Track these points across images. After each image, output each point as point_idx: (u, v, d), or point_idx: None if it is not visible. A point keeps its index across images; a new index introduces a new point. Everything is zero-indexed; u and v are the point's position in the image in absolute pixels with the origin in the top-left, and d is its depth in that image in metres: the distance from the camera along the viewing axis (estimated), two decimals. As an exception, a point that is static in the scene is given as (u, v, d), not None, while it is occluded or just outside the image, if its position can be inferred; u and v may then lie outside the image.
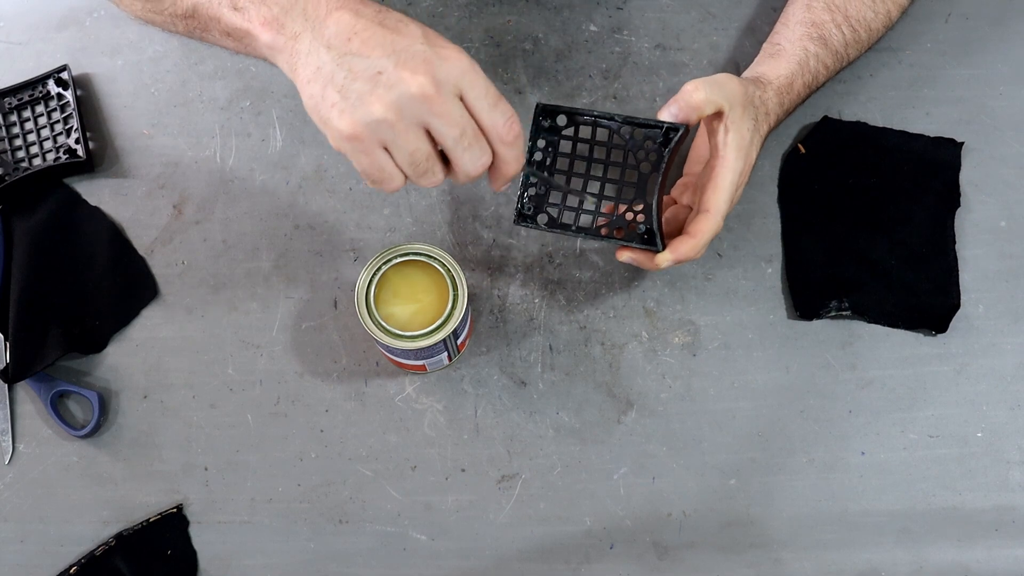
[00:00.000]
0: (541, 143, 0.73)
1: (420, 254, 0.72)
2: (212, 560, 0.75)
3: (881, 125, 0.84)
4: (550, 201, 0.73)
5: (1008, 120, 0.85)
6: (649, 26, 0.89)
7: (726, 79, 0.71)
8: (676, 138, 0.69)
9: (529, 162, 0.72)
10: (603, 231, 0.72)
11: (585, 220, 0.74)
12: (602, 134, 0.73)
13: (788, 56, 0.78)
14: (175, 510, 0.76)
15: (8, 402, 0.79)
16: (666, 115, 0.70)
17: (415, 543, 0.75)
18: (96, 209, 0.84)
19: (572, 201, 0.74)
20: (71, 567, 0.75)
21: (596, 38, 0.89)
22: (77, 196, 0.84)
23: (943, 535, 0.74)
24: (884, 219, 0.82)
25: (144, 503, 0.77)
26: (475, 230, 0.83)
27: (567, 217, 0.74)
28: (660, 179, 0.70)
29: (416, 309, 0.72)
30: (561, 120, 0.72)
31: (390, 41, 0.58)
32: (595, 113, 0.71)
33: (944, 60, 0.87)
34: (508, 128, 0.60)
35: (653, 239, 0.70)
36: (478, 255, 0.82)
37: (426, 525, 0.76)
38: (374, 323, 0.70)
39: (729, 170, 0.70)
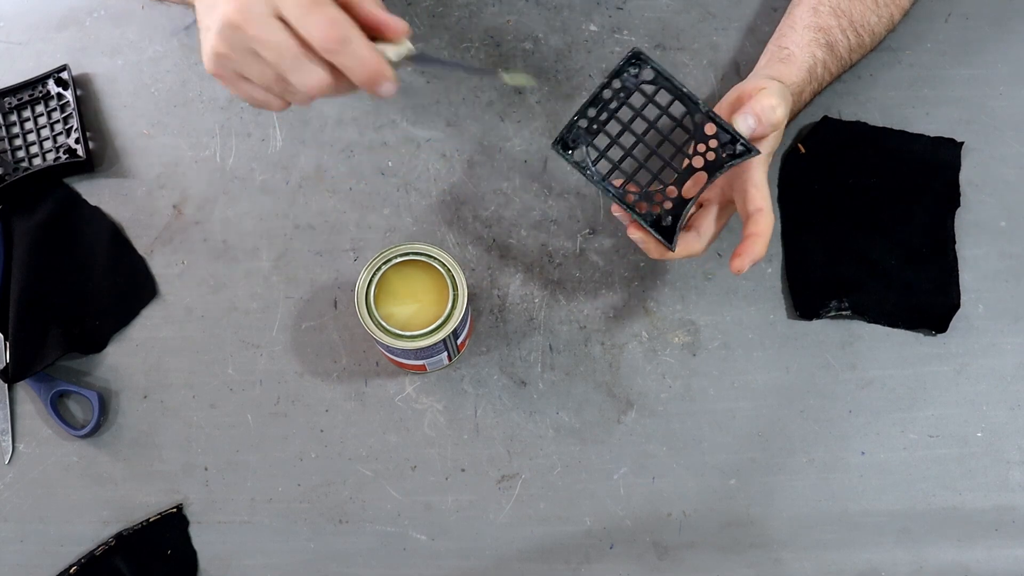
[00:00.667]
0: (617, 84, 0.70)
1: (420, 254, 0.72)
2: (212, 560, 0.75)
3: (881, 125, 0.84)
4: (594, 144, 0.70)
5: (1008, 120, 0.85)
6: (649, 26, 0.89)
7: (783, 88, 0.71)
8: (744, 156, 0.68)
9: (596, 98, 0.70)
10: (629, 197, 0.70)
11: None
12: (677, 111, 0.70)
13: (799, 63, 0.77)
14: (175, 510, 0.76)
15: (8, 402, 0.79)
16: (742, 125, 0.68)
17: (415, 543, 0.75)
18: (96, 209, 0.84)
19: (615, 156, 0.72)
20: (71, 567, 0.75)
21: (596, 38, 0.89)
22: (77, 196, 0.84)
23: (943, 535, 0.74)
24: (884, 219, 0.82)
25: (144, 503, 0.77)
26: (475, 230, 0.83)
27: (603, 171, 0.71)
28: (706, 183, 0.69)
29: (416, 309, 0.72)
30: (647, 75, 0.70)
31: None
32: (683, 89, 0.69)
33: (944, 60, 0.87)
34: (326, 37, 0.57)
35: (671, 234, 0.69)
36: (478, 255, 0.82)
37: (426, 525, 0.76)
38: (374, 323, 0.70)
39: (761, 168, 0.70)
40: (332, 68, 0.58)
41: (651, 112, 0.72)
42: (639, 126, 0.72)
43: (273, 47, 0.57)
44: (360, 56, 0.58)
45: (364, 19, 0.59)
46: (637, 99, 0.71)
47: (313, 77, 0.58)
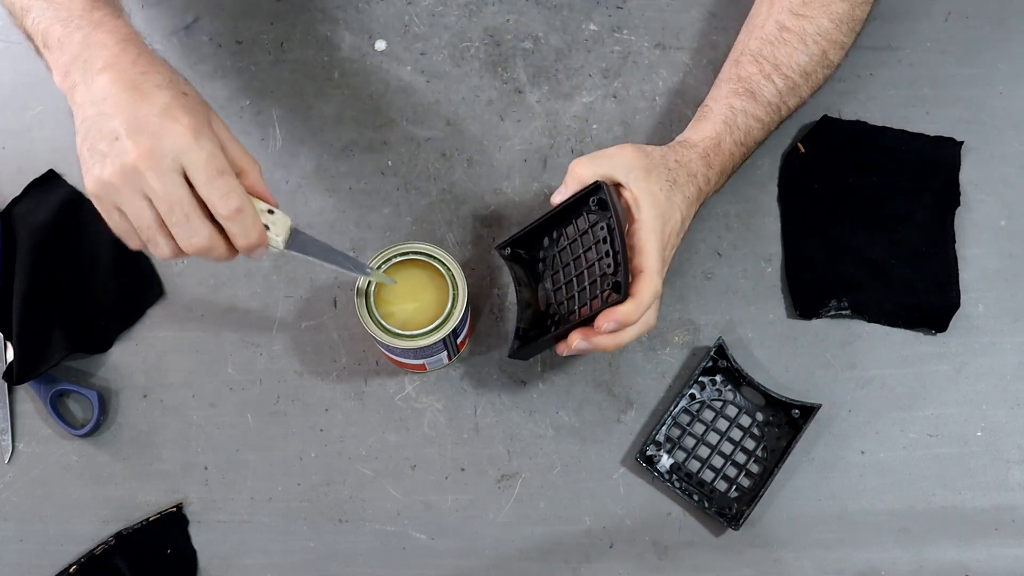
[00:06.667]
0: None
1: (420, 254, 0.72)
2: (212, 559, 0.75)
3: (881, 124, 0.84)
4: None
5: (1008, 119, 0.85)
6: (649, 25, 0.89)
7: (616, 151, 0.72)
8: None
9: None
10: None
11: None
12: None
13: (714, 116, 0.77)
14: (175, 509, 0.76)
15: (8, 401, 0.79)
16: (559, 197, 0.72)
17: (415, 542, 0.75)
18: (99, 208, 0.84)
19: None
20: (71, 566, 0.75)
21: (596, 37, 0.89)
22: (80, 196, 0.84)
23: (943, 535, 0.74)
24: (884, 218, 0.82)
25: (144, 502, 0.77)
26: (475, 230, 0.83)
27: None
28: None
29: (416, 308, 0.72)
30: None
31: (133, 108, 0.60)
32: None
33: (944, 59, 0.87)
34: (224, 203, 0.61)
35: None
36: (478, 255, 0.82)
37: (426, 524, 0.76)
38: (374, 322, 0.70)
39: (649, 230, 0.69)
40: (215, 230, 0.62)
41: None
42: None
43: (167, 199, 0.60)
44: (243, 228, 0.62)
45: (251, 189, 0.64)
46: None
47: (199, 236, 0.61)
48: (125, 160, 0.59)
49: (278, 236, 0.65)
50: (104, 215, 0.62)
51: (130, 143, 0.59)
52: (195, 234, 0.61)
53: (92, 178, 0.61)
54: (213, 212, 0.61)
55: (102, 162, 0.60)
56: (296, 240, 0.66)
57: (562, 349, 0.70)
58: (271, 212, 0.65)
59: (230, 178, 0.61)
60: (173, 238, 0.62)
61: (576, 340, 0.68)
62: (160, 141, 0.59)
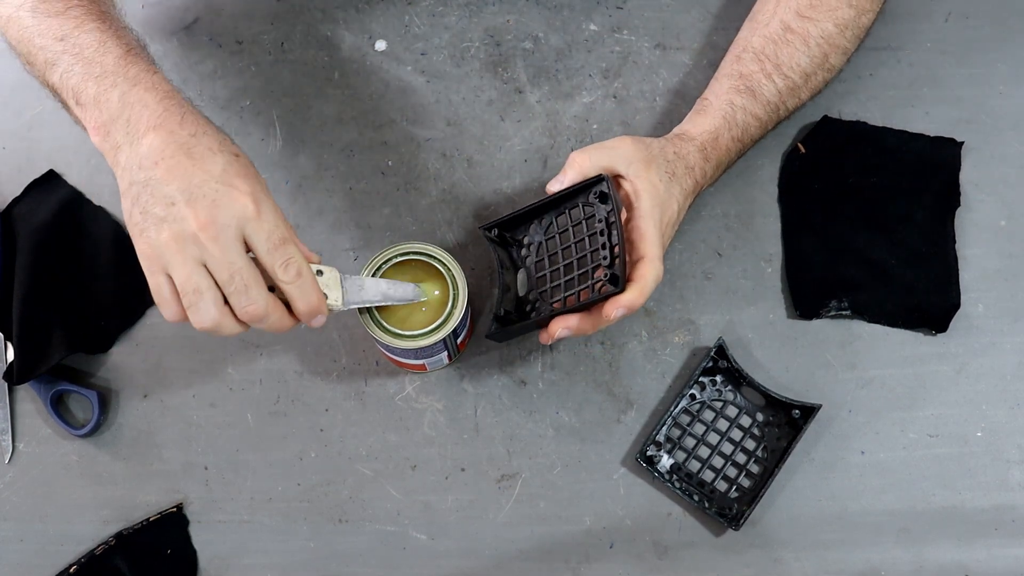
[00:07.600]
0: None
1: (420, 254, 0.72)
2: (212, 559, 0.75)
3: (881, 124, 0.84)
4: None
5: (1008, 119, 0.85)
6: (649, 25, 0.89)
7: (616, 142, 0.73)
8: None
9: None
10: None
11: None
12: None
13: (713, 111, 0.77)
14: (175, 509, 0.76)
15: (8, 401, 0.79)
16: (556, 185, 0.72)
17: (415, 542, 0.75)
18: (100, 209, 0.84)
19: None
20: (71, 566, 0.75)
21: (596, 37, 0.89)
22: (81, 196, 0.84)
23: (943, 535, 0.74)
24: (884, 218, 0.82)
25: (144, 502, 0.77)
26: (475, 230, 0.83)
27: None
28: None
29: (416, 308, 0.72)
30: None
31: (189, 174, 0.60)
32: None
33: (944, 59, 0.87)
34: (284, 270, 0.62)
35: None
36: (478, 255, 0.82)
37: (426, 524, 0.76)
38: (374, 322, 0.70)
39: (647, 217, 0.70)
40: (272, 298, 0.63)
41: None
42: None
43: (228, 268, 0.60)
44: (303, 292, 0.63)
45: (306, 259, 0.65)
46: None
47: (256, 304, 0.61)
48: (185, 227, 0.59)
49: (336, 300, 0.66)
50: (149, 277, 0.62)
51: (188, 210, 0.59)
52: (252, 303, 0.61)
53: (147, 241, 0.60)
54: (273, 278, 0.62)
55: (158, 226, 0.60)
56: (351, 288, 0.67)
57: (545, 338, 0.70)
58: (320, 273, 0.66)
59: (291, 247, 0.62)
60: (213, 306, 0.61)
61: (559, 326, 0.69)
62: (220, 210, 0.60)
